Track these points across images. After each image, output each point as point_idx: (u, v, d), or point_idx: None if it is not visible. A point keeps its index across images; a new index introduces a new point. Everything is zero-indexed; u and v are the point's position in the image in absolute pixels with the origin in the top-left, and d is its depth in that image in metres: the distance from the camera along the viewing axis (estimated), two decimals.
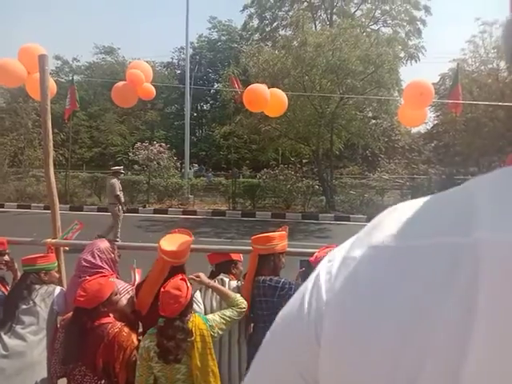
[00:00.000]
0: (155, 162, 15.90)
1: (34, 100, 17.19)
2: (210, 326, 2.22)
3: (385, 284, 0.39)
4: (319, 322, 0.43)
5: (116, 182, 9.17)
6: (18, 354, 2.47)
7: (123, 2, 59.53)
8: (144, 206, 14.65)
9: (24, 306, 2.57)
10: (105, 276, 2.38)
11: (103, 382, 2.19)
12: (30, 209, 14.25)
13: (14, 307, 2.57)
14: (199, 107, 31.79)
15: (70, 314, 2.38)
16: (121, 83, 3.28)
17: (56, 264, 2.92)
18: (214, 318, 2.27)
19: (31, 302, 2.58)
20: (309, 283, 0.48)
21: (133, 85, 3.19)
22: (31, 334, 2.54)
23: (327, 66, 13.50)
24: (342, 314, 0.41)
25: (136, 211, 13.94)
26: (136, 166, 16.46)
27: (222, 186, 15.63)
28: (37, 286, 2.65)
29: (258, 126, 15.63)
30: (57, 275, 2.88)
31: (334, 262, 0.46)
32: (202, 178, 17.38)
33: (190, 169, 18.61)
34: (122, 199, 9.26)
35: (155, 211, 13.96)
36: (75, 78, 19.77)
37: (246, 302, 2.39)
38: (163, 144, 16.65)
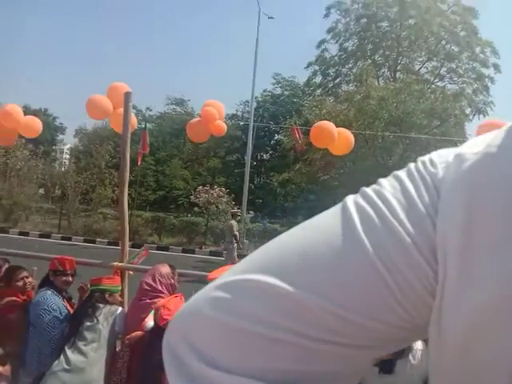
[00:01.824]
0: (214, 206, 16.33)
1: (109, 143, 18.57)
2: None
3: None
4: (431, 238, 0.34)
5: (234, 223, 10.45)
6: (79, 370, 2.53)
7: (196, 58, 64.67)
8: (200, 248, 14.92)
9: (88, 323, 2.66)
10: (177, 296, 2.45)
11: None
12: (94, 243, 15.01)
13: (79, 323, 2.67)
14: (259, 157, 32.64)
15: (139, 334, 2.42)
16: (195, 119, 3.51)
17: (120, 288, 3.01)
18: None
19: (95, 320, 2.66)
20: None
21: (206, 121, 3.40)
22: (92, 350, 2.60)
23: (390, 118, 13.51)
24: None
25: (193, 252, 14.22)
26: (196, 209, 17.03)
27: (277, 232, 15.60)
28: (101, 305, 2.74)
29: (316, 175, 15.70)
30: (120, 299, 2.97)
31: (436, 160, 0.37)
32: (257, 224, 17.50)
33: (246, 214, 18.87)
34: (238, 238, 10.37)
35: (211, 253, 14.15)
36: (147, 125, 21.35)
37: None
38: (223, 188, 17.17)
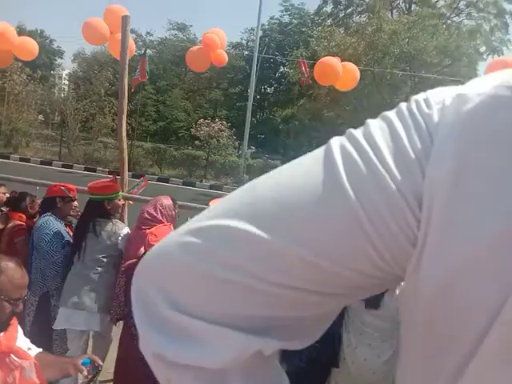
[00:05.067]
0: (215, 140, 16.22)
1: (108, 69, 17.93)
2: None
3: None
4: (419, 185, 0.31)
5: None
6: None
7: None
8: (201, 181, 15.07)
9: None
10: (166, 225, 2.48)
11: None
12: (95, 172, 15.10)
13: (81, 238, 2.69)
14: (263, 90, 31.75)
15: (133, 261, 2.47)
16: (195, 47, 3.36)
17: (120, 193, 2.95)
18: None
19: (99, 238, 2.70)
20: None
21: (207, 49, 3.25)
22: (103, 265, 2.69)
23: (401, 54, 12.97)
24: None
25: (193, 185, 14.37)
26: (197, 142, 16.95)
27: None
28: (102, 223, 2.71)
29: (320, 112, 15.42)
30: (120, 203, 2.91)
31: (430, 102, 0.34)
32: (258, 159, 17.51)
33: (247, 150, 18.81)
34: None
35: (211, 187, 14.31)
36: (147, 51, 20.52)
37: None
38: (224, 122, 16.94)
